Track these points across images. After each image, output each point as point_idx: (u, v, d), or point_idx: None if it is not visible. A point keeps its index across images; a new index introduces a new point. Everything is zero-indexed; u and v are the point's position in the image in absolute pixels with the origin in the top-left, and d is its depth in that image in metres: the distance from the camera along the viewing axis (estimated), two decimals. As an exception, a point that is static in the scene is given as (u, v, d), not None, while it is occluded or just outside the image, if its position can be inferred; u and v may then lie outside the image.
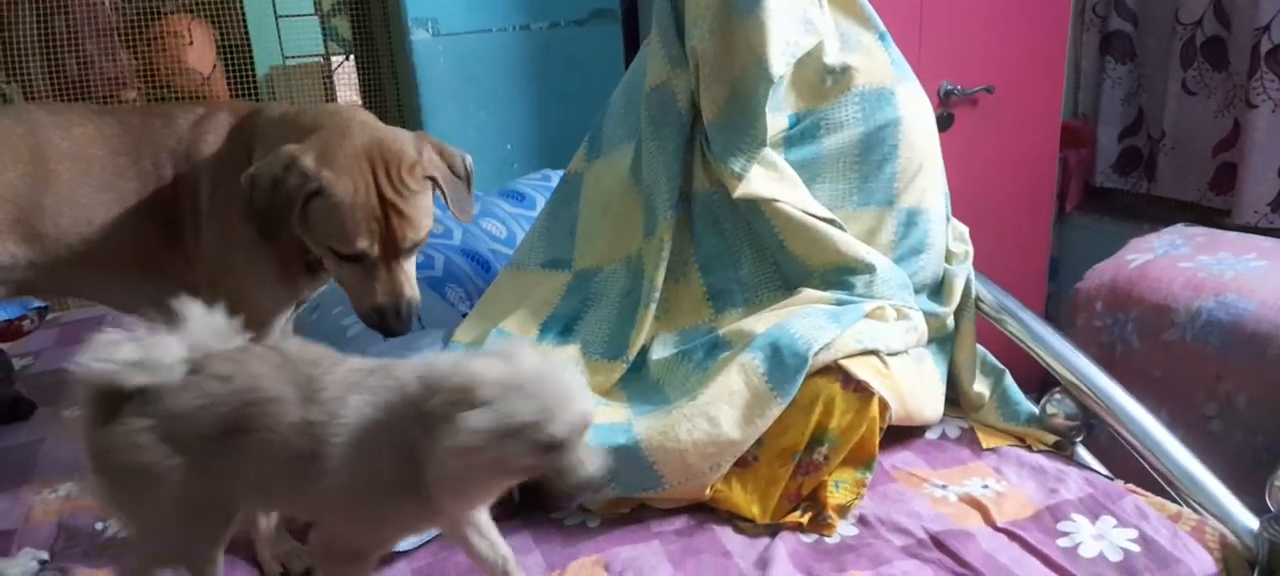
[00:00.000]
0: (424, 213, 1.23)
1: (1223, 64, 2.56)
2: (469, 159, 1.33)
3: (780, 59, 1.40)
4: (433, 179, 1.25)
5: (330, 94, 2.71)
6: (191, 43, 2.59)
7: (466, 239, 2.06)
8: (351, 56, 2.63)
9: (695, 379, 1.34)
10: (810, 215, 1.43)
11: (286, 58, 2.64)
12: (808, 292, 1.43)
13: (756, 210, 1.44)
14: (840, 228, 1.45)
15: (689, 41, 1.45)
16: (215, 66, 2.62)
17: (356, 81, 2.68)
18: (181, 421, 0.92)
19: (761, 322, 1.36)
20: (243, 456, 0.93)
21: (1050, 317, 2.82)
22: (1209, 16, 2.56)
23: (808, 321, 1.32)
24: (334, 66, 2.67)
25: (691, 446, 1.23)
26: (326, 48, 2.69)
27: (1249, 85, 2.42)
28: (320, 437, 0.91)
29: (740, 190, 1.41)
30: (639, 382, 1.45)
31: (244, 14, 2.62)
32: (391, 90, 2.59)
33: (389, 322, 1.24)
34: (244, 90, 2.60)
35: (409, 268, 1.25)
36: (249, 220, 1.19)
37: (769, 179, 1.43)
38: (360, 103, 2.66)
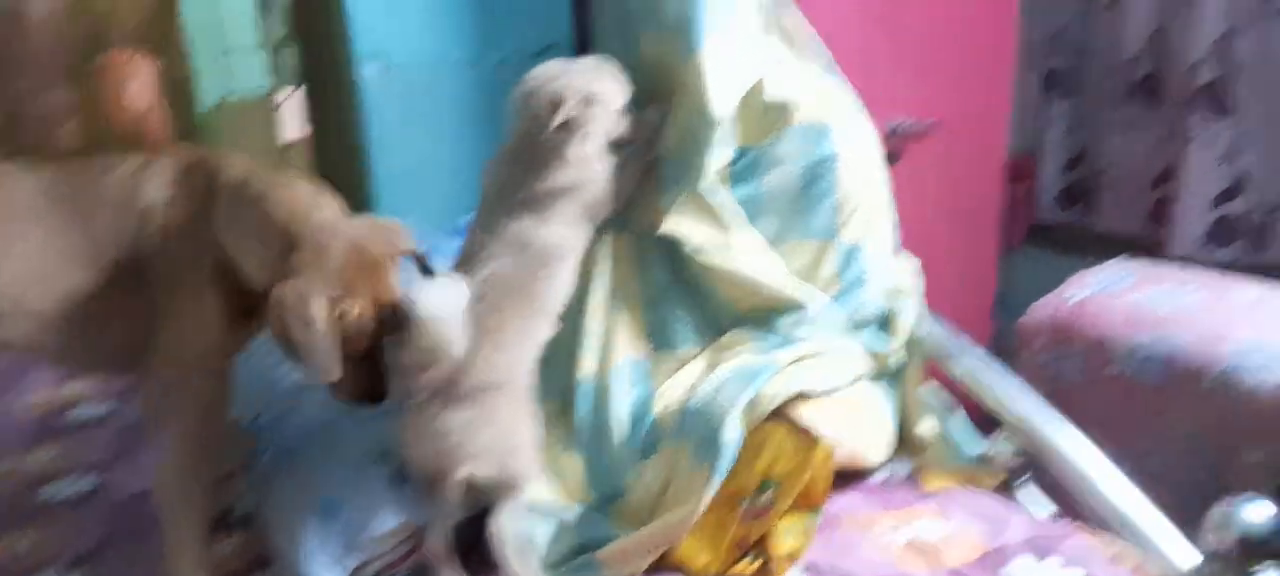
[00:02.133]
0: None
1: (1159, 100, 2.64)
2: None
3: (720, 102, 1.41)
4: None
5: (276, 128, 2.66)
6: (132, 77, 2.53)
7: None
8: (298, 90, 2.59)
9: (646, 477, 1.37)
10: (740, 260, 1.43)
11: (231, 92, 2.59)
12: (729, 338, 1.44)
13: (685, 255, 1.44)
14: (775, 266, 1.46)
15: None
16: (156, 101, 2.56)
17: (303, 115, 2.63)
18: None
19: (689, 381, 1.41)
20: None
21: (998, 352, 2.86)
22: (1145, 54, 2.63)
23: (725, 391, 1.33)
24: (280, 100, 2.63)
25: (641, 543, 1.27)
26: (275, 80, 2.65)
27: (1185, 121, 2.49)
28: None
29: (664, 226, 1.42)
30: (596, 445, 1.43)
31: (188, 46, 2.56)
32: (339, 124, 2.55)
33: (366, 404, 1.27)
34: (188, 123, 2.54)
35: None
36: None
37: (699, 223, 1.43)
38: (308, 134, 2.62)
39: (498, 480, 1.20)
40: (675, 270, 1.48)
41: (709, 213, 1.44)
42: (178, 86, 2.55)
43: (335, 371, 1.16)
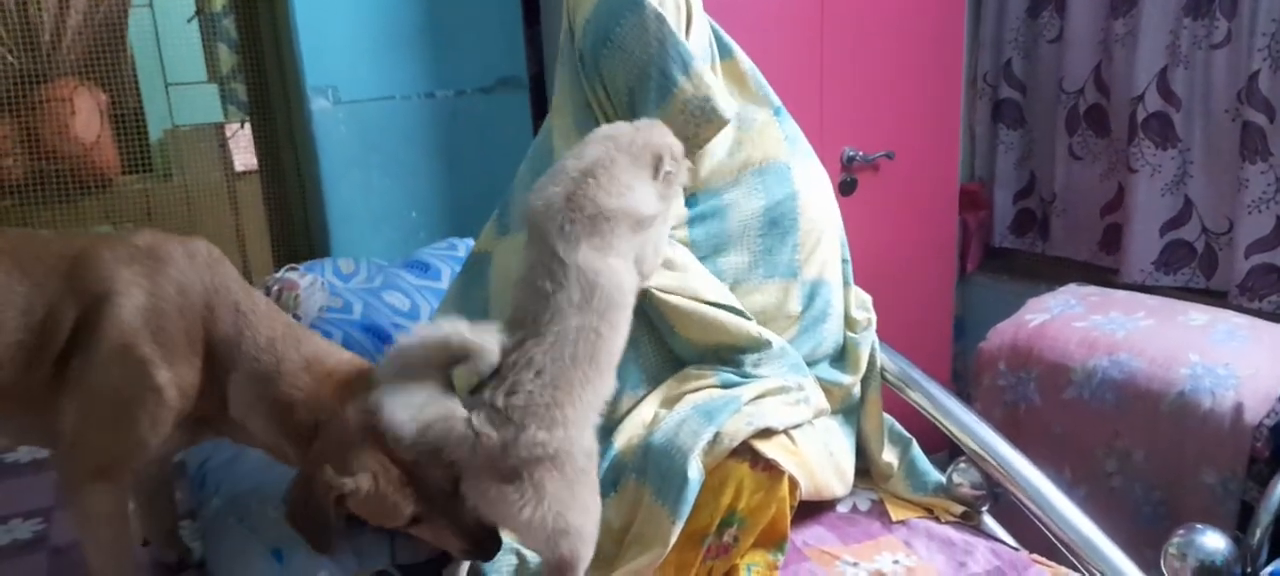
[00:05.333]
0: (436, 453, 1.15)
1: (1104, 130, 2.70)
2: None
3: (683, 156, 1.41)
4: None
5: (227, 160, 2.61)
6: (75, 111, 2.47)
7: (367, 313, 1.98)
8: (247, 123, 2.54)
9: (606, 515, 1.31)
10: (700, 300, 1.42)
11: (179, 124, 2.53)
12: (690, 371, 1.42)
13: (647, 297, 1.43)
14: (735, 306, 1.45)
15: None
16: (100, 133, 2.49)
17: (253, 147, 2.58)
18: None
19: (649, 417, 1.38)
20: None
21: (958, 376, 2.90)
22: (1090, 85, 2.70)
23: (686, 428, 1.31)
24: (230, 133, 2.58)
25: None
26: (225, 112, 2.60)
27: (1129, 151, 2.55)
28: None
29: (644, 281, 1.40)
30: None
31: (137, 79, 2.51)
32: (290, 157, 2.50)
33: (486, 552, 1.21)
34: (136, 156, 2.48)
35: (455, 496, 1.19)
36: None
37: (660, 270, 1.42)
38: (256, 167, 2.57)
39: (548, 560, 1.10)
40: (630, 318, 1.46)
41: (670, 257, 1.43)
42: (127, 117, 2.49)
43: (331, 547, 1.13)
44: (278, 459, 1.25)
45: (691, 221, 1.48)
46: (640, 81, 1.39)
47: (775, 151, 1.52)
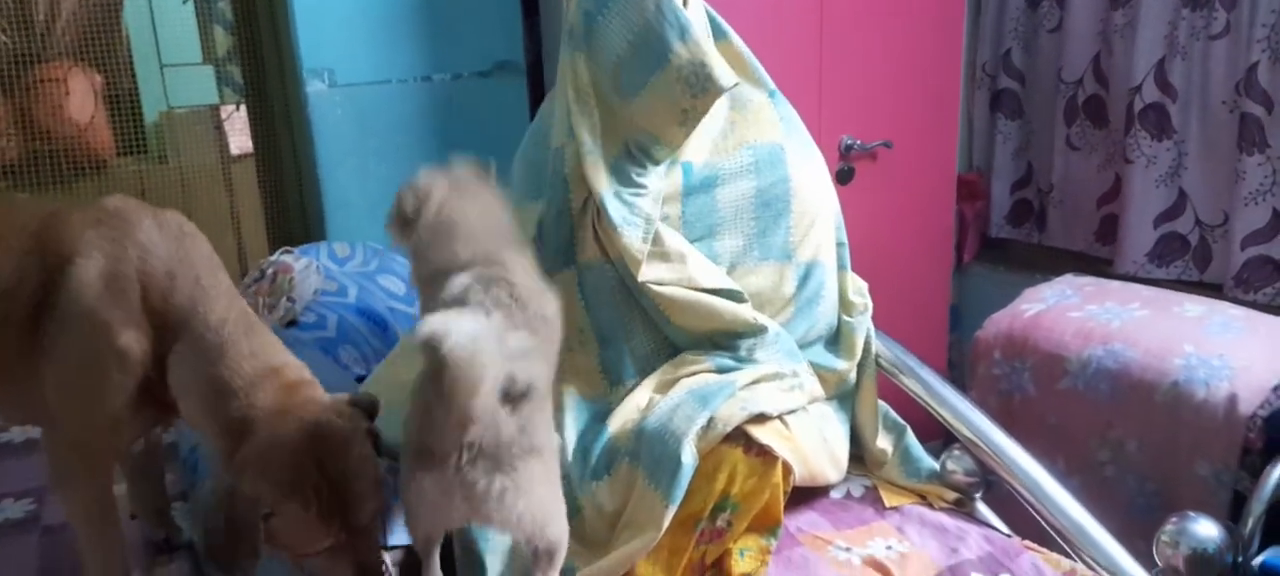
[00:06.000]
0: (374, 482, 1.12)
1: (1102, 121, 2.69)
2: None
3: (679, 131, 1.40)
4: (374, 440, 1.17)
5: (222, 143, 2.60)
6: (70, 91, 2.45)
7: (362, 297, 1.98)
8: (243, 105, 2.53)
9: (599, 498, 1.33)
10: (697, 288, 1.42)
11: (174, 106, 2.52)
12: (685, 356, 1.42)
13: (642, 291, 1.42)
14: (732, 287, 1.45)
15: (572, 119, 1.44)
16: (94, 114, 2.48)
17: (249, 130, 2.57)
18: None
19: (643, 401, 1.38)
20: None
21: (953, 365, 2.90)
22: (1089, 76, 2.69)
23: (680, 413, 1.30)
24: (225, 115, 2.56)
25: (601, 570, 1.22)
26: (221, 95, 2.59)
27: (1125, 142, 2.55)
28: None
29: (643, 274, 1.40)
30: None
31: (132, 60, 2.50)
32: (286, 140, 2.49)
33: None
34: (131, 138, 2.47)
35: (373, 531, 1.15)
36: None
37: (656, 261, 1.42)
38: (251, 150, 2.56)
39: (535, 548, 1.07)
40: (621, 305, 1.46)
41: (661, 247, 1.42)
42: (122, 99, 2.48)
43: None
44: (210, 446, 1.19)
45: (685, 196, 1.47)
46: (633, 50, 1.38)
47: (770, 133, 1.51)
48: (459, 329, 0.92)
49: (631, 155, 1.43)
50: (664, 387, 1.40)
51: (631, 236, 1.39)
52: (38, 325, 1.16)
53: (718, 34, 1.53)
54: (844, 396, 1.54)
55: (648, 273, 1.40)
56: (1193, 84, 2.44)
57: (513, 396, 1.00)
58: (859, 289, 1.64)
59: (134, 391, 1.17)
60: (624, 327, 1.46)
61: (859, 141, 2.47)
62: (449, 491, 1.01)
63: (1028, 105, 2.93)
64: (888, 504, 1.43)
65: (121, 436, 1.25)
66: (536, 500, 1.05)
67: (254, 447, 1.08)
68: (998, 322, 2.13)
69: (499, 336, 1.00)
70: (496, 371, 0.96)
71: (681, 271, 1.42)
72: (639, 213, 1.40)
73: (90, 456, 1.21)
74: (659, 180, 1.44)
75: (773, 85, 1.57)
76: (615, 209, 1.40)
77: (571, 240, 1.46)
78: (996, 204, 3.03)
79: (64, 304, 1.14)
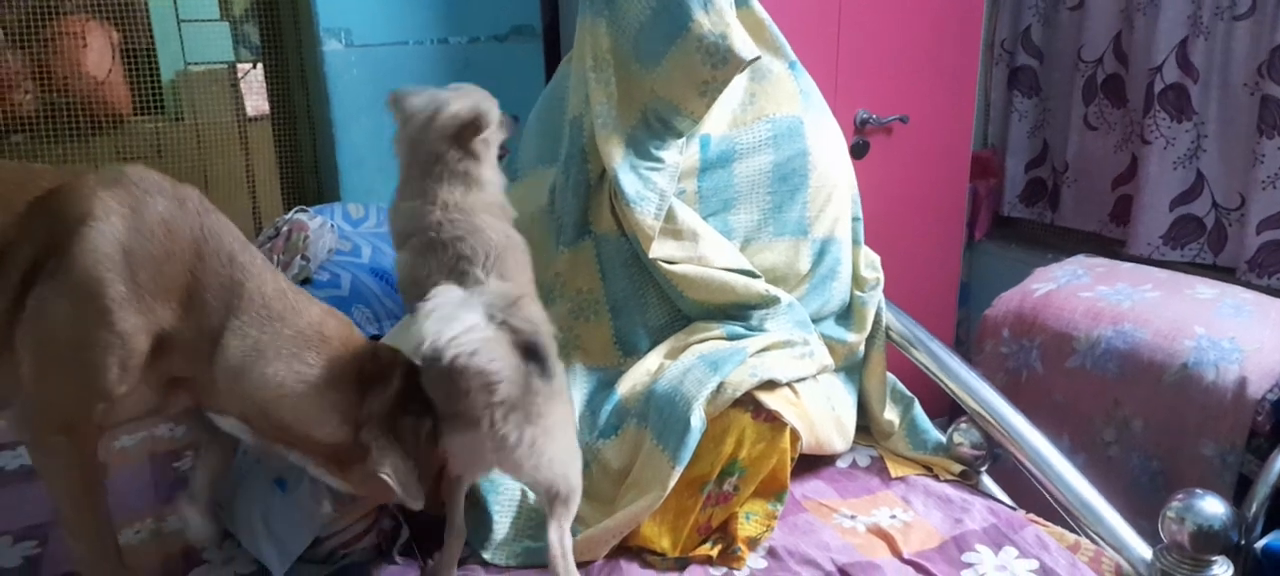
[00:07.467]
0: None
1: (1121, 101, 2.67)
2: None
3: (700, 102, 1.40)
4: None
5: (238, 102, 2.60)
6: (87, 45, 2.46)
7: (375, 256, 1.99)
8: (259, 64, 2.53)
9: (605, 457, 1.35)
10: (710, 266, 1.42)
11: (191, 63, 2.52)
12: (697, 324, 1.43)
13: (655, 267, 1.43)
14: (746, 267, 1.45)
15: (589, 87, 1.43)
16: (112, 70, 2.49)
17: (265, 90, 2.57)
18: None
19: (654, 366, 1.39)
20: None
21: (960, 342, 2.90)
22: (1109, 55, 2.67)
23: (691, 377, 1.31)
24: (241, 74, 2.57)
25: (607, 532, 1.24)
26: (237, 54, 2.59)
27: (1144, 122, 2.52)
28: None
29: (654, 251, 1.40)
30: None
31: (149, 17, 2.49)
32: (302, 100, 2.49)
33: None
34: (148, 96, 2.48)
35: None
36: None
37: (667, 239, 1.42)
38: (267, 111, 2.56)
39: (554, 493, 1.10)
40: (636, 277, 1.47)
41: (675, 224, 1.43)
42: (139, 56, 2.48)
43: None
44: (253, 433, 1.12)
45: (702, 171, 1.48)
46: (654, 16, 1.38)
47: (790, 105, 1.51)
48: (448, 332, 0.95)
49: (650, 126, 1.43)
50: (675, 353, 1.41)
51: (644, 211, 1.39)
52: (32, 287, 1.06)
53: (739, 1, 1.52)
54: (852, 368, 1.55)
55: (658, 250, 1.40)
56: (1214, 64, 2.41)
57: (525, 346, 1.02)
58: (871, 263, 1.64)
59: (134, 369, 1.06)
60: (638, 299, 1.46)
61: (875, 115, 2.46)
62: (481, 448, 1.04)
63: (1045, 83, 2.90)
64: (893, 474, 1.44)
65: (112, 415, 1.12)
66: (562, 446, 1.08)
67: (392, 385, 1.07)
68: (1007, 301, 2.13)
69: (485, 306, 1.01)
70: (503, 349, 0.99)
71: (693, 250, 1.42)
72: (653, 188, 1.40)
73: (70, 429, 1.09)
74: (677, 154, 1.43)
75: (793, 55, 1.56)
76: (629, 182, 1.40)
77: (587, 211, 1.46)
78: (1010, 182, 3.01)
79: (66, 268, 1.03)
